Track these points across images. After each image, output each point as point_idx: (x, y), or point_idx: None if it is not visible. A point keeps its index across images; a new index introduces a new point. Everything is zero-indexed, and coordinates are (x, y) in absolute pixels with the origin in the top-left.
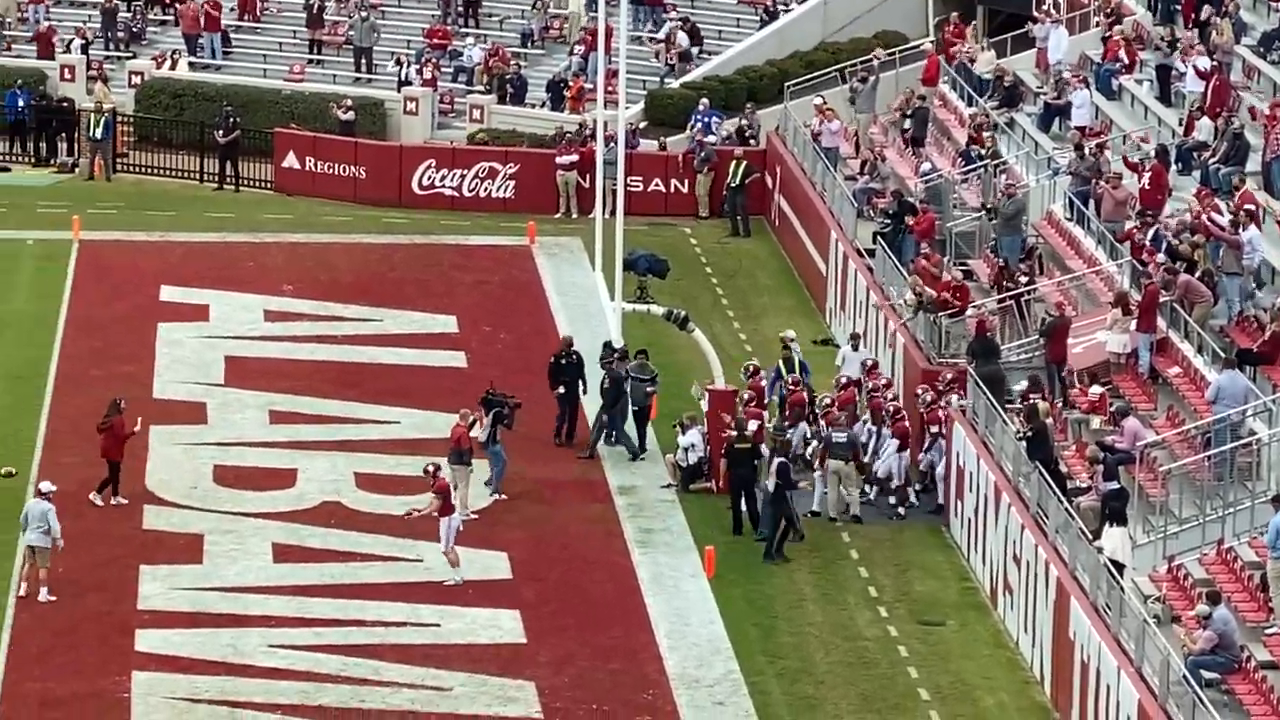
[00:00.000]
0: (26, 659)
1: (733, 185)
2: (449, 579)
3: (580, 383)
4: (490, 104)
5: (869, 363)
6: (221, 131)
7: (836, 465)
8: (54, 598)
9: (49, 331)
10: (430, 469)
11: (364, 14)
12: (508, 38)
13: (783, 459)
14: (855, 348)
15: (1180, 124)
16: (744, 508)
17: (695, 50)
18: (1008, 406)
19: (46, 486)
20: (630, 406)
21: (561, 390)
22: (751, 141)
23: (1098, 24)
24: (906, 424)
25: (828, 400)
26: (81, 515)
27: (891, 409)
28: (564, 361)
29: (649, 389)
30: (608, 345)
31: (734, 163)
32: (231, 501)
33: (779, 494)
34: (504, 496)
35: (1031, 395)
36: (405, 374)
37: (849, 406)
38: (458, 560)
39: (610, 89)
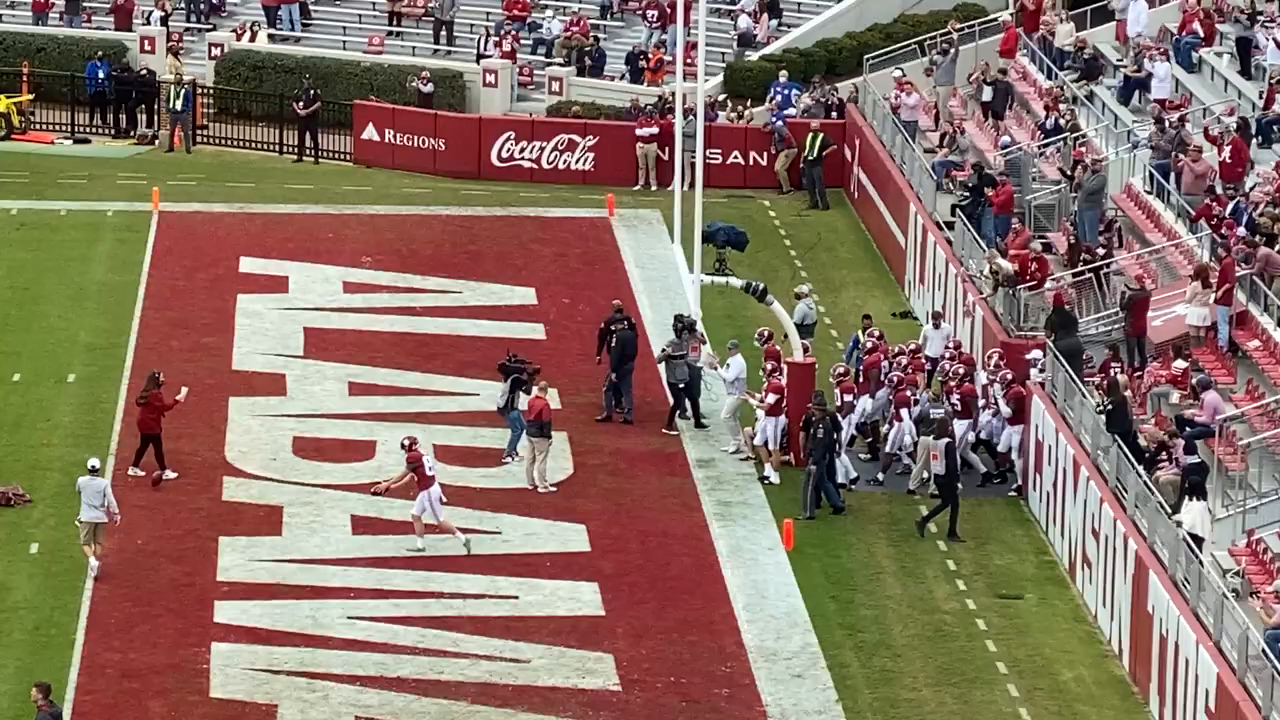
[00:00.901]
0: (106, 630)
1: (809, 158)
2: (459, 546)
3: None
4: (569, 76)
5: (901, 339)
6: (302, 104)
7: (928, 440)
8: (99, 574)
9: (129, 303)
10: (406, 442)
11: None
12: (587, 9)
13: (949, 439)
14: (936, 326)
15: (1260, 97)
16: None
17: (774, 23)
18: (1086, 379)
19: (95, 463)
20: (678, 383)
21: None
22: (834, 114)
23: None
24: (908, 394)
25: (840, 370)
26: (160, 487)
27: (895, 379)
28: (613, 328)
29: (685, 360)
30: (679, 318)
31: (810, 135)
32: (310, 473)
33: (951, 475)
34: (519, 458)
35: (1111, 366)
36: (484, 346)
37: (874, 372)
38: (453, 528)
39: (689, 61)
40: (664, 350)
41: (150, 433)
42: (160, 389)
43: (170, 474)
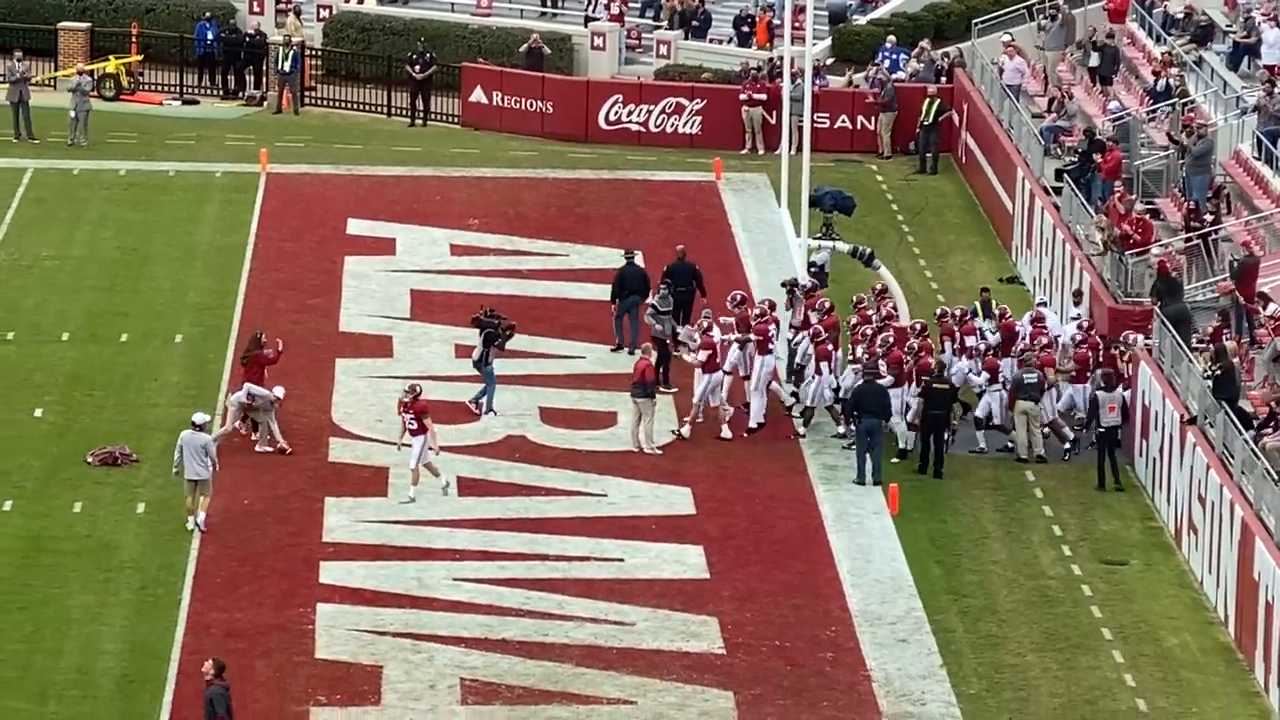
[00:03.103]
0: (212, 590)
1: (925, 123)
2: (408, 496)
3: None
4: (677, 39)
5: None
6: (418, 67)
7: (1026, 405)
8: (206, 530)
9: (236, 264)
10: (416, 389)
11: None
12: None
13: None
14: (1076, 302)
15: None
16: (932, 448)
17: None
18: (1194, 346)
19: (201, 418)
20: (665, 338)
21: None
22: (943, 79)
23: None
24: (829, 347)
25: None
26: (270, 450)
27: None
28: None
29: (667, 319)
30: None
31: (927, 100)
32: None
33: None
34: (496, 413)
35: (1223, 332)
36: (590, 309)
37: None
38: (417, 480)
39: (798, 24)
40: (652, 305)
41: None
42: (262, 348)
43: (255, 435)
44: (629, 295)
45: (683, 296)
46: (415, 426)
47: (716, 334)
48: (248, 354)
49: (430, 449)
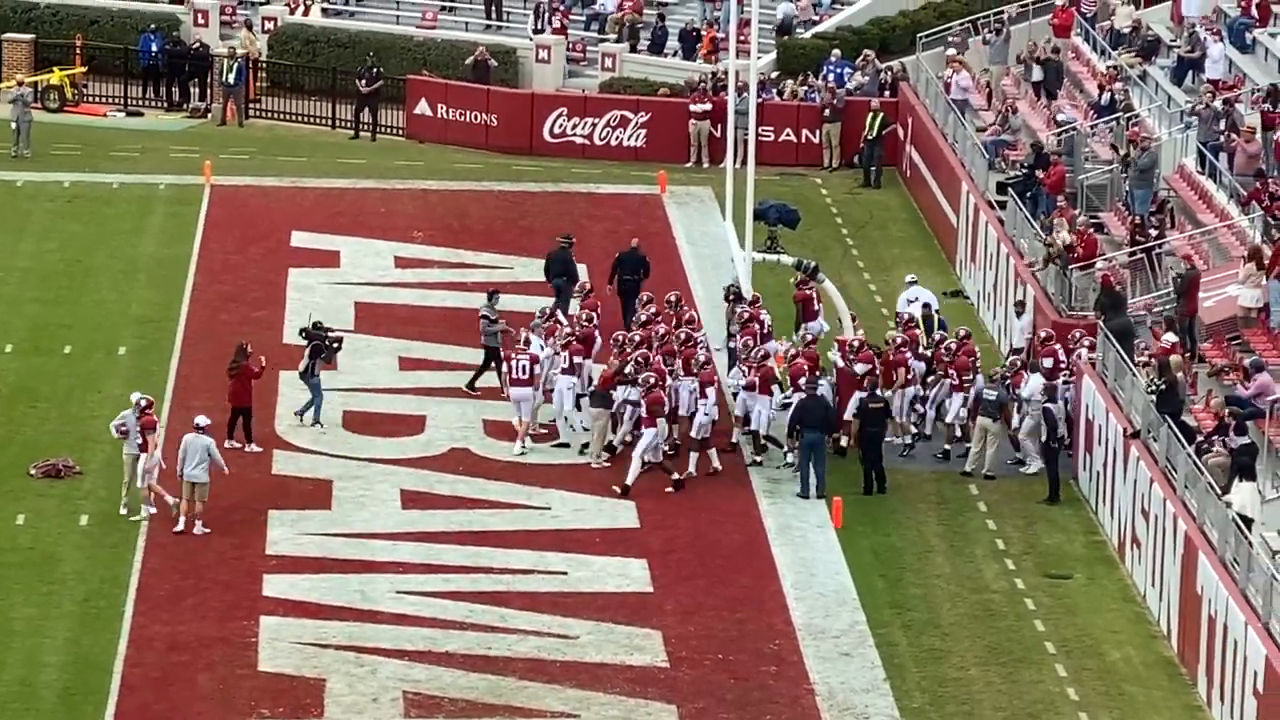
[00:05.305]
0: (155, 602)
1: (869, 137)
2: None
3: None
4: (623, 52)
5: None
6: (364, 81)
7: (985, 422)
8: (209, 530)
9: (180, 276)
10: (140, 401)
11: None
12: None
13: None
14: (1019, 314)
15: None
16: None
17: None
18: (1137, 360)
19: (203, 421)
20: (492, 346)
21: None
22: (886, 92)
23: None
24: (772, 369)
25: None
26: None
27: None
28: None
29: (497, 328)
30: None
31: (870, 114)
32: (360, 447)
33: (1052, 450)
34: (322, 427)
35: (1179, 347)
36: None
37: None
38: (154, 498)
39: (742, 38)
40: (484, 315)
41: (241, 405)
42: (249, 359)
43: (255, 448)
44: (554, 279)
45: (630, 284)
46: (141, 441)
47: (537, 347)
48: (235, 365)
49: (147, 470)
